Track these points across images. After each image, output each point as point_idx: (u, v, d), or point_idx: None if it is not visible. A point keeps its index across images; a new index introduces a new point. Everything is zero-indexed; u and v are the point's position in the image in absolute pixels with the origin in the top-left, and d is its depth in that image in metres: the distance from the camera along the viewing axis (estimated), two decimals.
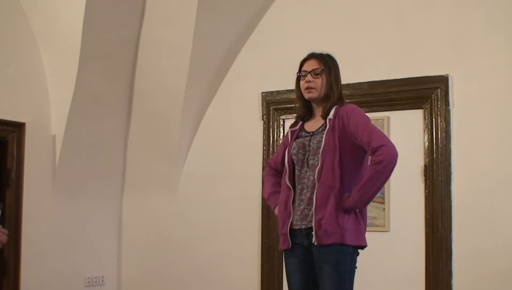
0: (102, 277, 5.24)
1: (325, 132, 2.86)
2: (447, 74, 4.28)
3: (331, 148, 2.82)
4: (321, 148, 2.84)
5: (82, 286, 5.07)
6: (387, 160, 2.72)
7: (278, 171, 3.17)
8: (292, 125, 3.10)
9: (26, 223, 4.65)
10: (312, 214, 2.83)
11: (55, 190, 4.86)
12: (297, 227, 2.90)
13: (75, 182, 5.00)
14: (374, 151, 2.74)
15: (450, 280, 4.17)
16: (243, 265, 4.93)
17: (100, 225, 5.27)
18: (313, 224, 2.81)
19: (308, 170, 2.90)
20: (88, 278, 5.12)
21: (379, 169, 2.73)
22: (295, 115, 3.14)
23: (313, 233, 2.80)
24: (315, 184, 2.84)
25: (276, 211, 3.06)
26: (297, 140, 2.99)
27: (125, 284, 5.39)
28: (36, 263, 4.70)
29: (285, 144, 3.09)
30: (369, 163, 2.82)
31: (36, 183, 4.73)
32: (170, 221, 5.27)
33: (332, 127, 2.86)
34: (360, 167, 2.89)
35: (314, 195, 2.83)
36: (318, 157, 2.85)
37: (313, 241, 2.81)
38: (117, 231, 5.44)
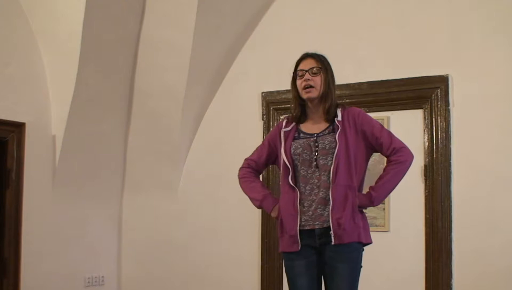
0: (102, 277, 5.25)
1: (337, 133, 2.87)
2: (447, 74, 4.28)
3: (344, 149, 2.85)
4: (336, 149, 2.84)
5: (82, 286, 5.07)
6: (408, 161, 2.87)
7: (258, 172, 3.16)
8: (284, 126, 3.03)
9: (26, 223, 4.65)
10: (327, 214, 2.82)
11: (55, 190, 4.86)
12: (308, 228, 2.86)
13: (75, 182, 5.00)
14: (395, 152, 2.87)
15: (450, 280, 4.17)
16: (243, 265, 4.93)
17: (100, 225, 5.28)
18: (330, 223, 2.80)
19: (317, 170, 2.89)
20: (88, 278, 5.12)
21: (401, 169, 2.86)
22: (290, 115, 3.10)
23: (331, 232, 2.80)
24: (328, 184, 2.84)
25: (274, 213, 3.00)
26: (298, 140, 2.96)
27: (125, 284, 5.39)
28: (36, 263, 4.70)
29: (272, 145, 3.06)
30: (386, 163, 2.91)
31: (36, 183, 4.73)
32: (170, 221, 5.28)
33: (343, 129, 2.89)
34: (365, 167, 2.96)
35: (330, 194, 2.82)
36: (330, 158, 2.85)
37: (331, 241, 2.80)
38: (117, 231, 5.44)
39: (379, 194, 2.88)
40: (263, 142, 3.20)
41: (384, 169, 2.89)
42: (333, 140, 2.87)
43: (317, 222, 2.85)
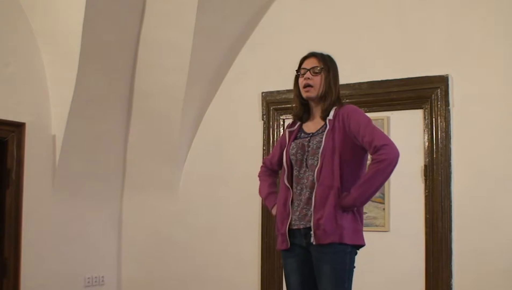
0: (102, 277, 5.25)
1: (325, 132, 2.86)
2: (447, 74, 4.28)
3: (330, 148, 2.83)
4: (321, 148, 2.84)
5: (82, 286, 5.07)
6: (389, 159, 2.74)
7: (273, 171, 3.19)
8: (290, 126, 3.09)
9: (26, 223, 4.64)
10: (311, 214, 2.83)
11: (55, 190, 4.86)
12: (295, 227, 2.89)
13: (75, 182, 5.00)
14: (376, 150, 2.75)
15: (450, 280, 4.17)
16: (243, 265, 4.93)
17: (100, 225, 5.28)
18: (311, 223, 2.81)
19: (307, 170, 2.90)
20: (88, 278, 5.12)
21: (381, 168, 2.74)
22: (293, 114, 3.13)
23: (312, 232, 2.80)
24: (314, 184, 2.84)
25: (273, 211, 3.06)
26: (296, 140, 2.99)
27: (125, 284, 5.39)
28: (36, 263, 4.70)
29: (282, 145, 3.09)
30: (369, 162, 2.84)
31: (36, 183, 4.73)
32: (170, 221, 5.28)
33: (332, 128, 2.86)
34: (360, 168, 2.91)
35: (313, 195, 2.83)
36: (317, 157, 2.85)
37: (311, 241, 2.81)
38: (117, 231, 5.44)
39: (358, 195, 2.78)
40: (277, 142, 3.27)
41: (367, 168, 2.85)
42: (321, 139, 2.87)
43: (302, 222, 2.87)
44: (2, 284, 4.53)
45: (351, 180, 2.84)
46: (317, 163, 2.84)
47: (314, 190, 2.83)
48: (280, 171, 3.17)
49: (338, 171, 2.80)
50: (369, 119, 2.87)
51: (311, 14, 4.81)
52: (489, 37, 4.21)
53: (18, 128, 4.63)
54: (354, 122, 2.84)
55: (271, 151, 4.77)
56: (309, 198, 2.85)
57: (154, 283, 5.27)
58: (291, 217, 2.91)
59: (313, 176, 2.85)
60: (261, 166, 3.24)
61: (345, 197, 2.80)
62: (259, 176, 3.22)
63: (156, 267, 5.28)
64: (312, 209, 2.82)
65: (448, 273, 4.18)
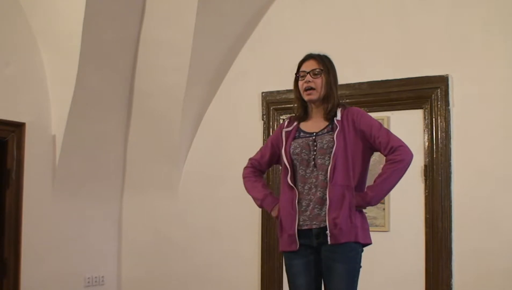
0: (102, 277, 5.25)
1: (335, 132, 2.87)
2: (447, 74, 4.28)
3: (342, 148, 2.85)
4: (334, 148, 2.85)
5: (82, 286, 5.07)
6: (406, 160, 2.84)
7: (262, 172, 3.17)
8: (285, 126, 3.06)
9: (26, 223, 4.64)
10: (324, 214, 2.82)
11: (55, 190, 4.86)
12: (305, 227, 2.88)
13: (75, 182, 5.00)
14: (393, 151, 2.83)
15: (450, 280, 4.18)
16: (243, 265, 4.93)
17: (100, 225, 5.28)
18: (327, 223, 2.81)
19: (315, 169, 2.89)
20: (88, 278, 5.12)
21: (398, 168, 2.82)
22: (292, 115, 3.12)
23: (328, 232, 2.80)
24: (326, 183, 2.84)
25: (274, 213, 3.02)
26: (297, 140, 2.98)
27: (125, 284, 5.39)
28: (36, 263, 4.70)
29: (274, 144, 3.08)
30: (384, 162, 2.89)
31: (36, 183, 4.73)
32: (170, 221, 5.28)
33: (342, 128, 2.88)
34: (367, 167, 2.96)
35: (327, 194, 2.82)
36: (328, 157, 2.86)
37: (327, 240, 2.80)
38: (117, 231, 5.44)
39: (375, 194, 2.86)
40: (266, 142, 3.23)
41: (382, 169, 2.88)
42: (331, 139, 2.87)
43: (314, 222, 2.86)
44: (2, 284, 4.53)
45: (360, 179, 2.90)
46: (329, 162, 2.85)
47: (327, 190, 2.83)
48: (266, 172, 3.20)
49: (352, 171, 2.85)
50: (379, 122, 2.95)
51: (311, 14, 4.81)
52: (489, 37, 4.21)
53: (18, 128, 4.63)
54: (365, 123, 2.91)
55: None
56: (321, 198, 2.85)
57: (154, 283, 5.27)
58: (299, 217, 2.89)
59: (324, 175, 2.85)
60: (247, 167, 3.16)
61: (361, 196, 2.85)
62: (245, 176, 3.14)
63: (156, 267, 5.28)
64: (326, 208, 2.82)
65: (448, 273, 4.18)
